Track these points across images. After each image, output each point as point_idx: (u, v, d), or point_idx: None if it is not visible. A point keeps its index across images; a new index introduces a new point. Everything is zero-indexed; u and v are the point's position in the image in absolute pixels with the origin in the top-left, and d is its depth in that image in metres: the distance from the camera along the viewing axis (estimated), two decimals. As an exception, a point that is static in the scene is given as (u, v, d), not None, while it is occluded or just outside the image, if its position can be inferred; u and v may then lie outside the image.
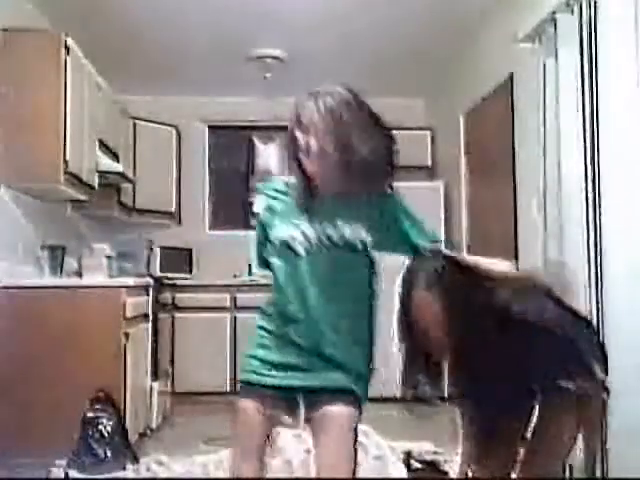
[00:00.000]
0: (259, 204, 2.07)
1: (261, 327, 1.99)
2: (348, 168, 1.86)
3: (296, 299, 1.93)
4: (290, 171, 1.98)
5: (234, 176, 6.40)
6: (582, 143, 3.02)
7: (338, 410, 1.93)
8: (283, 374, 1.92)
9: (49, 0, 4.09)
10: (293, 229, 1.94)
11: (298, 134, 1.91)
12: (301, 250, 1.92)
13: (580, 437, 1.89)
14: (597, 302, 2.89)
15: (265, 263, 2.08)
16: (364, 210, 2.00)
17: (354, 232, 1.97)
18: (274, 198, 2.04)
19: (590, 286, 2.95)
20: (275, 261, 2.00)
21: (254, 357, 1.96)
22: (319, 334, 1.91)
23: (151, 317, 4.34)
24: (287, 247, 1.93)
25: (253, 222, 2.18)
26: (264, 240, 2.04)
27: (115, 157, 4.91)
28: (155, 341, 4.45)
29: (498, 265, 2.03)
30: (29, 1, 4.10)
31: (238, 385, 2.04)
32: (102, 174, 4.53)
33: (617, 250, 2.76)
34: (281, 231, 1.95)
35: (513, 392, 1.81)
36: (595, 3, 2.94)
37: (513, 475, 1.80)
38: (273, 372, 1.92)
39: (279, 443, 3.20)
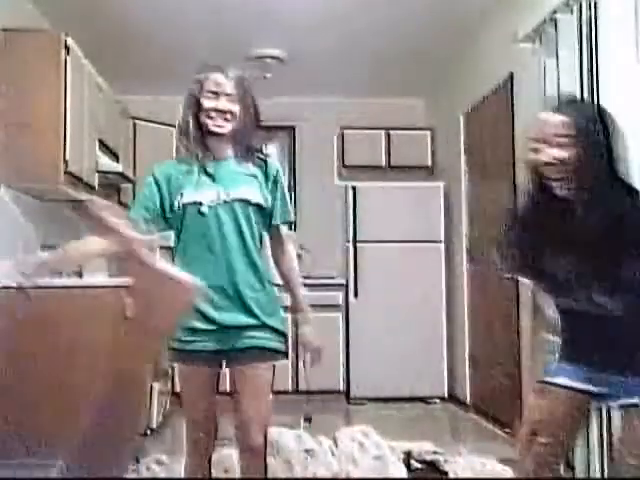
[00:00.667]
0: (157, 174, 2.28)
1: None
2: (254, 128, 2.25)
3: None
4: (188, 140, 2.24)
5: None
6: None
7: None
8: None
9: (49, 0, 4.09)
10: (198, 191, 2.18)
11: (205, 100, 2.20)
12: (205, 210, 2.17)
13: None
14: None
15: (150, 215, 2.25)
16: (257, 171, 2.28)
17: (248, 191, 2.23)
18: (166, 172, 2.26)
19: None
20: (183, 226, 2.22)
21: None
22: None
23: (151, 317, 4.34)
24: (194, 209, 2.17)
25: None
26: (158, 195, 2.23)
27: (115, 157, 4.91)
28: (155, 341, 4.45)
29: None
30: (29, 1, 4.10)
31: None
32: (102, 174, 4.53)
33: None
34: (188, 195, 2.18)
35: None
36: (595, 3, 2.94)
37: None
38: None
39: (279, 443, 3.21)
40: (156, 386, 4.33)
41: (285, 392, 5.27)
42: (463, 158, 5.26)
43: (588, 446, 2.90)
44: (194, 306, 2.12)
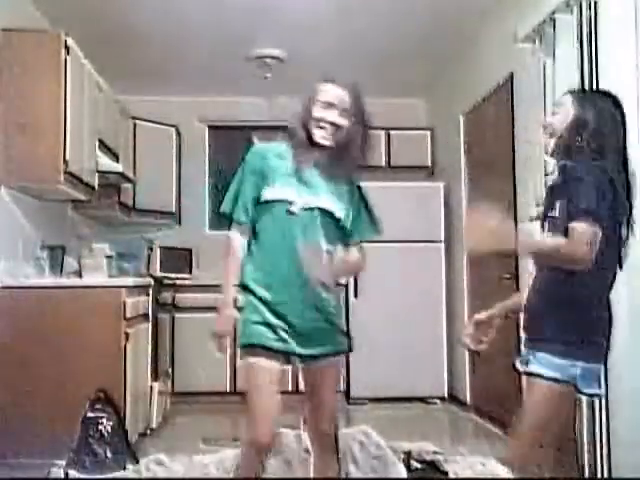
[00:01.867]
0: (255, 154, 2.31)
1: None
2: (366, 141, 2.30)
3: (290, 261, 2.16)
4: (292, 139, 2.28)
5: (234, 176, 6.39)
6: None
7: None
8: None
9: (49, 0, 4.09)
10: (290, 190, 2.20)
11: (317, 110, 2.22)
12: (296, 211, 2.19)
13: None
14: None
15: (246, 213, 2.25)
16: (344, 187, 2.32)
17: (333, 203, 2.26)
18: (266, 158, 2.27)
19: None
20: (266, 219, 2.22)
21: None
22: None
23: (151, 317, 4.34)
24: (283, 206, 2.18)
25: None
26: (254, 191, 2.23)
27: (115, 157, 4.91)
28: (155, 341, 4.45)
29: None
30: (29, 1, 4.10)
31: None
32: (102, 174, 4.53)
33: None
34: (280, 191, 2.20)
35: None
36: (595, 3, 2.95)
37: None
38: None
39: (279, 443, 3.20)
40: (156, 386, 4.33)
41: (285, 392, 5.26)
42: (463, 158, 5.26)
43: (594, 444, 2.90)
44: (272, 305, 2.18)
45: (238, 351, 2.29)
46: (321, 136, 2.21)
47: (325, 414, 2.39)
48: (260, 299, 2.19)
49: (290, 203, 2.19)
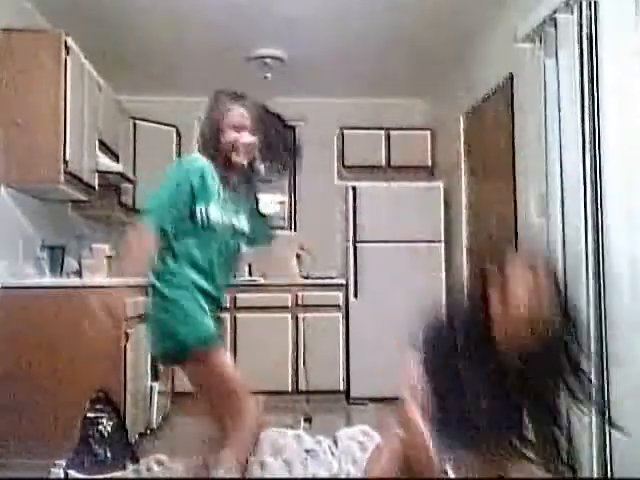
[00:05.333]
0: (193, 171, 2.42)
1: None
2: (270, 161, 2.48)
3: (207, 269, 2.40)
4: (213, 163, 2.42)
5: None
6: (582, 143, 3.02)
7: None
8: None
9: (49, 0, 4.09)
10: (219, 211, 2.38)
11: (228, 133, 2.41)
12: (219, 230, 2.38)
13: None
14: (598, 307, 2.89)
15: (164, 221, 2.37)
16: (248, 204, 2.56)
17: (243, 222, 2.51)
18: (204, 176, 2.39)
19: (589, 288, 2.95)
20: (191, 231, 2.37)
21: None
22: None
23: (151, 317, 4.33)
24: (209, 225, 2.35)
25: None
26: (183, 203, 2.35)
27: (115, 157, 4.91)
28: (155, 341, 4.45)
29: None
30: (29, 1, 4.10)
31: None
32: (102, 174, 4.53)
33: (619, 250, 2.76)
34: (213, 211, 2.36)
35: None
36: (595, 3, 2.94)
37: None
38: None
39: (279, 443, 3.20)
40: (156, 386, 4.32)
41: (285, 392, 5.27)
42: (463, 158, 5.26)
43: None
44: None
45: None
46: (237, 158, 2.41)
47: None
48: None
49: (215, 222, 2.38)
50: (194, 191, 2.35)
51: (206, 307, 2.37)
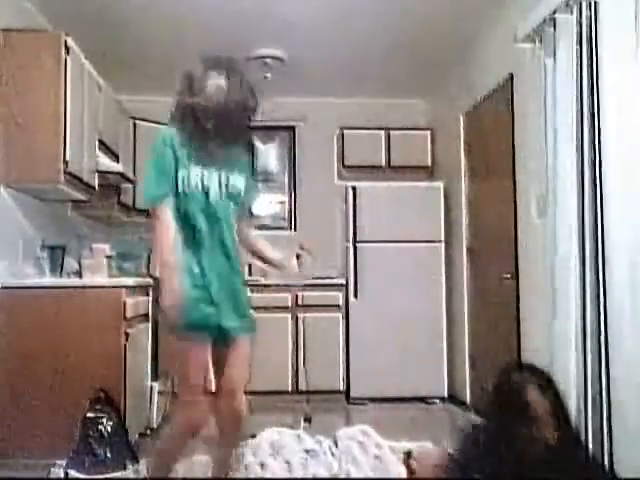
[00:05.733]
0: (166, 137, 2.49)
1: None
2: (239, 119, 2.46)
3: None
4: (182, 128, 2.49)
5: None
6: (582, 143, 3.02)
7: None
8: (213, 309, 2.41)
9: (49, 0, 4.09)
10: (206, 176, 2.40)
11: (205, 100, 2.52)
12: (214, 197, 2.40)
13: None
14: (598, 309, 2.89)
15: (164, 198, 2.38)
16: (244, 161, 2.59)
17: (239, 182, 2.51)
18: (175, 145, 2.45)
19: (586, 288, 2.95)
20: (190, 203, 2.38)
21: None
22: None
23: (151, 317, 4.34)
24: (202, 193, 2.37)
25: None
26: (172, 174, 2.38)
27: (115, 157, 4.91)
28: (155, 341, 4.45)
29: None
30: (29, 1, 4.10)
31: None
32: (102, 174, 4.53)
33: (619, 250, 2.76)
34: (195, 177, 2.38)
35: None
36: (595, 3, 2.94)
37: None
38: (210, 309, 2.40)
39: (279, 443, 3.21)
40: (156, 386, 4.33)
41: (285, 392, 5.27)
42: (463, 158, 5.26)
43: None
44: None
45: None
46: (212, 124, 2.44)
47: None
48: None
49: (194, 187, 2.39)
50: (176, 155, 2.40)
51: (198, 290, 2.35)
